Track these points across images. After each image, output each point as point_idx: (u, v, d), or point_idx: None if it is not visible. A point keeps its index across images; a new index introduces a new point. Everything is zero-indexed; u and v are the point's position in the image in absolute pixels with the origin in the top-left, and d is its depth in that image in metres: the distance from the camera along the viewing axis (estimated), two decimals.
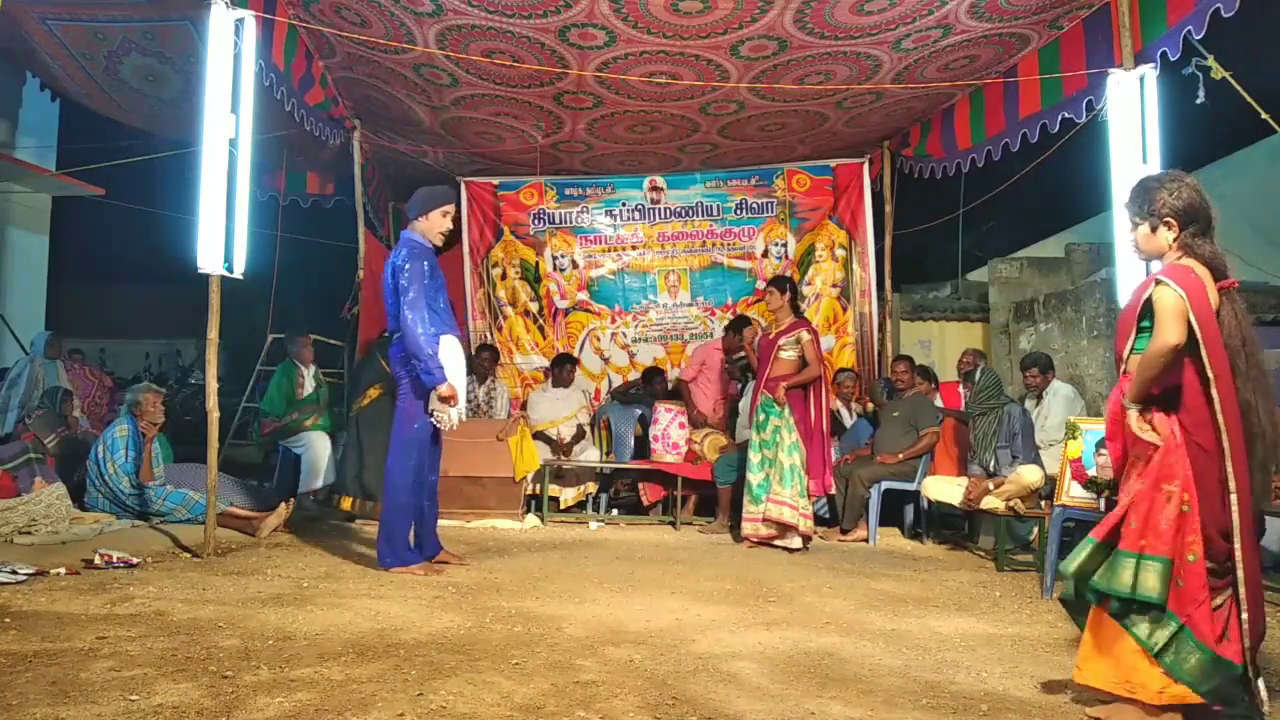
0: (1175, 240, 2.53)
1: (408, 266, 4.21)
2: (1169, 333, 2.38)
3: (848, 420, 6.95)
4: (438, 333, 4.23)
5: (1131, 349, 2.55)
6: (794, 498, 5.39)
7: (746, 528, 5.54)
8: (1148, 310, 2.47)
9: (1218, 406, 2.38)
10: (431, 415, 4.27)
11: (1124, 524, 2.45)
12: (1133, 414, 2.50)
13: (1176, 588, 2.37)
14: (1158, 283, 2.44)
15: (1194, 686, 2.33)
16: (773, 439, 5.53)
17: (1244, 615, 2.36)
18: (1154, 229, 2.56)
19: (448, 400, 4.21)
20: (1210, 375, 2.37)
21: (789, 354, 5.61)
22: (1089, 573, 2.47)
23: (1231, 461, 2.37)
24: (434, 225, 4.39)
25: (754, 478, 5.54)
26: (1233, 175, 9.62)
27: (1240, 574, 2.37)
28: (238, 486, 5.54)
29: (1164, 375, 2.42)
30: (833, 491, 6.00)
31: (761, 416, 5.59)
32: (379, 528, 4.33)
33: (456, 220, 8.12)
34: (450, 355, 4.26)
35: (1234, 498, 2.37)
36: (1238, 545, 2.37)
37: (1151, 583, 2.36)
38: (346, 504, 6.08)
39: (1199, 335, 2.36)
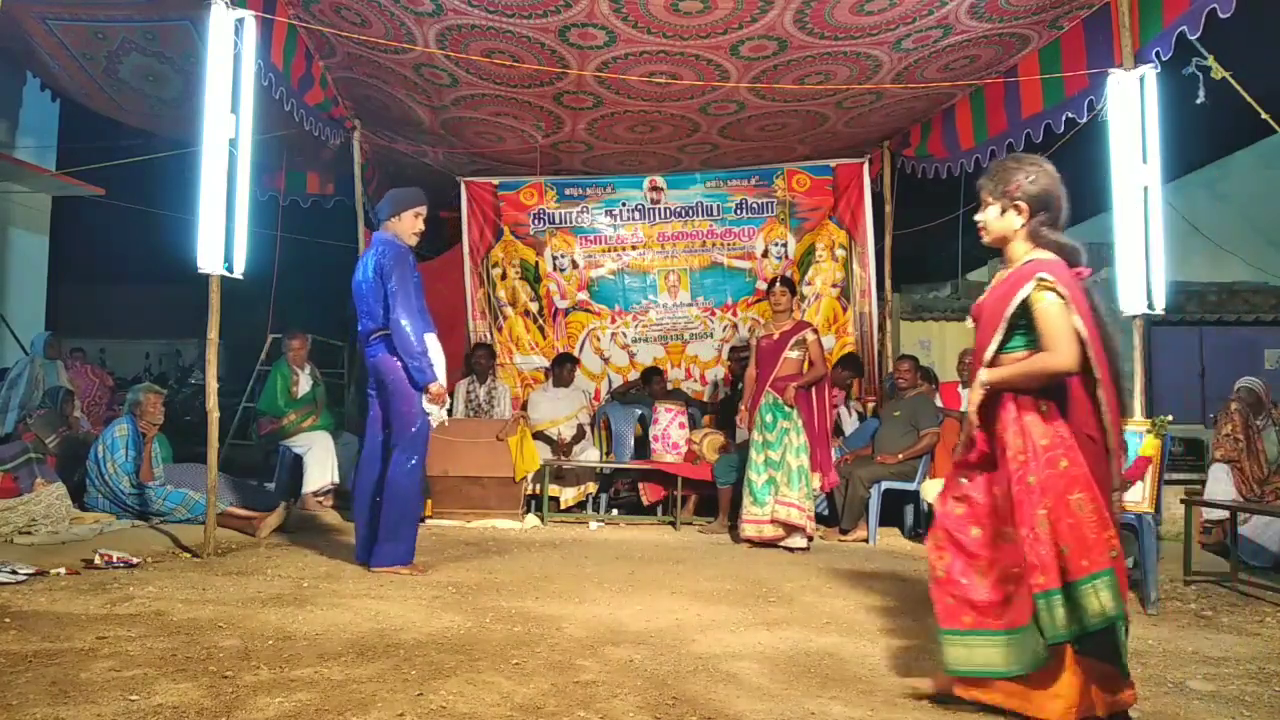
0: (1023, 226, 2.48)
1: (396, 268, 4.23)
2: (1065, 356, 2.31)
3: (846, 420, 6.95)
4: (424, 332, 4.27)
5: (1001, 348, 2.44)
6: (801, 499, 5.42)
7: (748, 528, 5.55)
8: (1024, 310, 2.39)
9: (1105, 409, 2.35)
10: (425, 416, 4.30)
11: (1061, 557, 2.27)
12: (975, 396, 2.45)
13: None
14: (1039, 283, 2.35)
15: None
16: (779, 440, 5.53)
17: None
18: (1003, 211, 2.51)
19: (438, 399, 4.26)
20: (1097, 377, 2.32)
21: (795, 354, 5.63)
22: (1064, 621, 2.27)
23: (1113, 459, 2.36)
24: (407, 226, 4.41)
25: (757, 478, 5.55)
26: (1233, 175, 9.64)
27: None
28: (238, 486, 5.54)
29: (1045, 383, 2.37)
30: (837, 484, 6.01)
31: (768, 417, 5.60)
32: (381, 529, 4.32)
33: (456, 220, 8.20)
34: (434, 354, 4.29)
35: (1115, 495, 2.36)
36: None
37: (1110, 600, 2.24)
38: None
39: (1084, 338, 2.31)
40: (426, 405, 4.27)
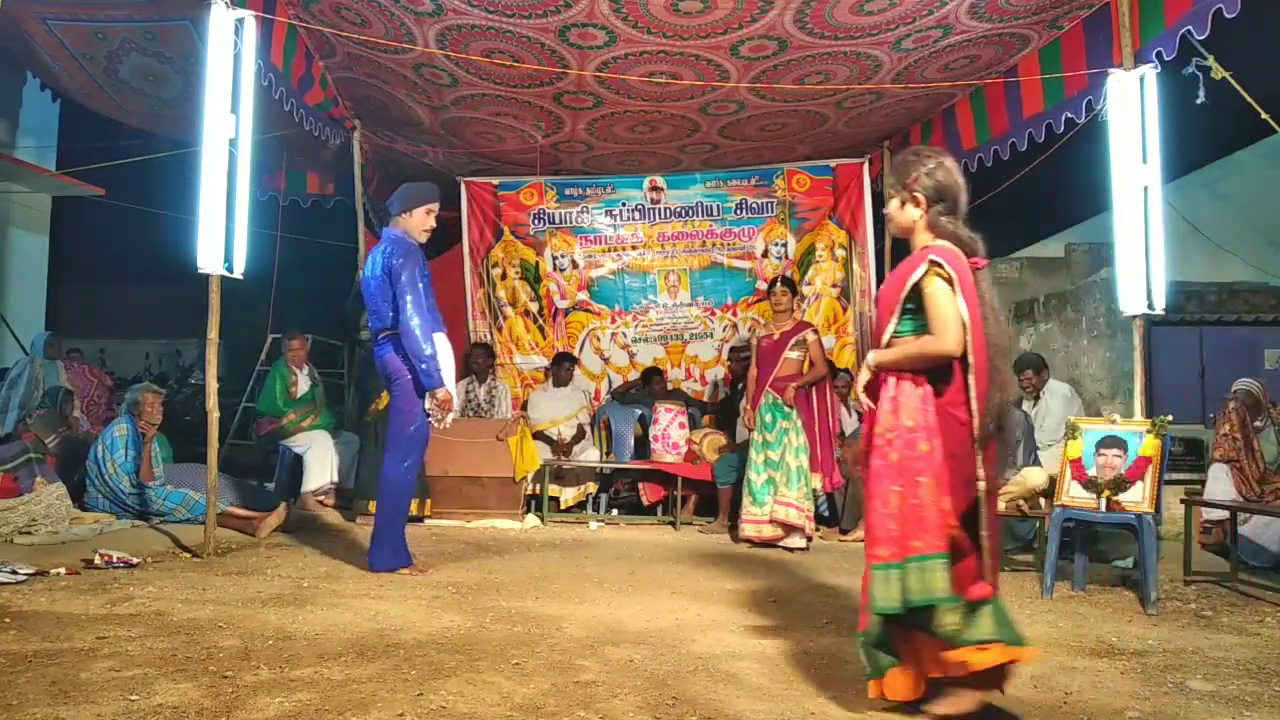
0: (921, 217, 2.54)
1: (405, 267, 4.18)
2: (948, 340, 2.37)
3: (846, 420, 6.95)
4: (432, 332, 4.23)
5: (895, 331, 2.51)
6: (800, 499, 5.42)
7: (748, 529, 5.55)
8: (915, 293, 2.45)
9: (973, 395, 2.39)
10: (429, 416, 4.28)
11: (903, 533, 2.34)
12: (863, 377, 2.53)
13: (954, 573, 2.35)
14: (930, 266, 2.42)
15: (1008, 641, 2.34)
16: (779, 440, 5.53)
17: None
18: (903, 203, 2.58)
19: (444, 405, 4.23)
20: (970, 362, 2.38)
21: (796, 354, 5.63)
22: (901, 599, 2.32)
23: (981, 451, 2.39)
24: (418, 223, 4.34)
25: (756, 478, 5.55)
26: (1233, 175, 9.63)
27: (987, 561, 2.39)
28: (238, 486, 5.54)
29: (929, 365, 2.43)
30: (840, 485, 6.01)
31: (768, 418, 5.60)
32: (375, 529, 4.32)
33: (456, 220, 8.20)
34: (442, 354, 4.26)
35: (981, 485, 2.38)
36: (985, 535, 2.38)
37: (937, 582, 2.28)
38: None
39: (966, 322, 2.37)
40: (430, 408, 4.25)
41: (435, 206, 4.40)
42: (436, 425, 4.33)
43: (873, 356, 2.52)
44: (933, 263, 2.42)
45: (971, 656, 2.31)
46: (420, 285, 4.20)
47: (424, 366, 4.14)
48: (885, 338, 2.53)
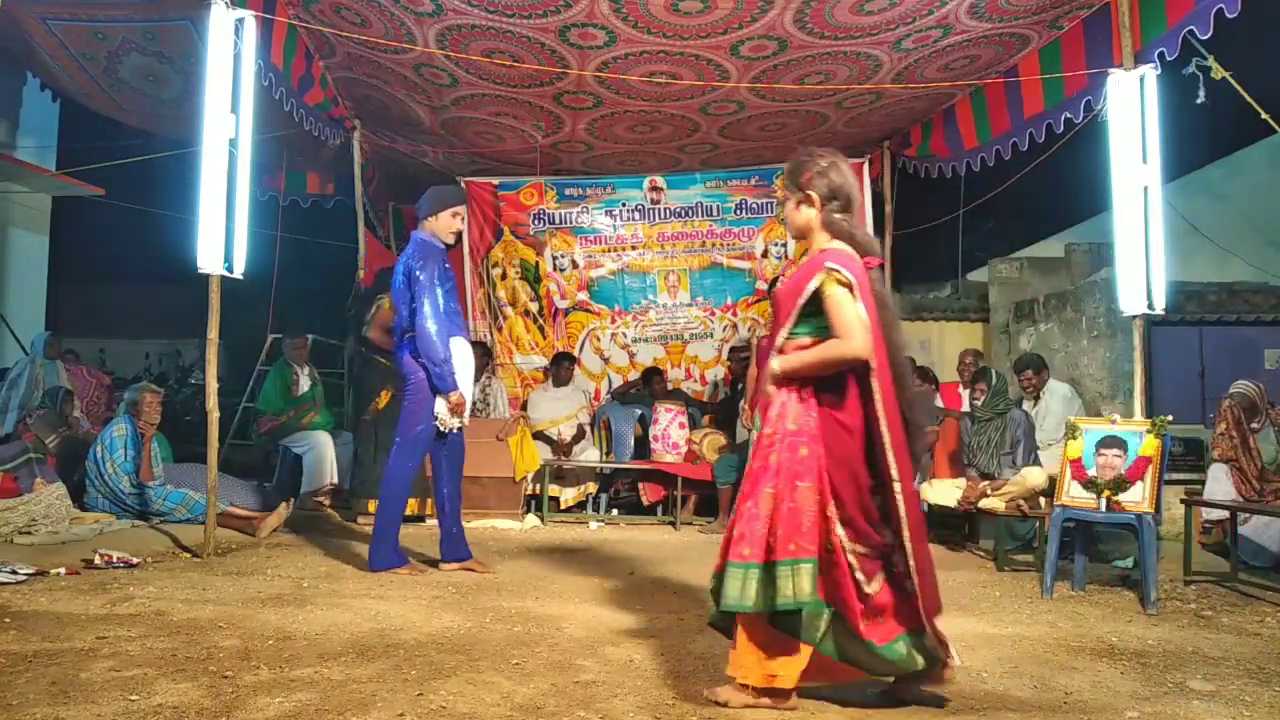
0: (816, 217, 2.57)
1: (424, 270, 4.19)
2: (857, 344, 2.38)
3: None
4: (450, 335, 4.22)
5: (790, 333, 2.52)
6: None
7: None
8: (814, 300, 2.46)
9: (877, 397, 2.40)
10: (436, 418, 4.27)
11: (772, 535, 2.37)
12: (768, 386, 2.52)
13: (825, 578, 2.38)
14: (829, 273, 2.43)
15: (854, 663, 2.43)
16: None
17: (918, 595, 2.40)
18: (798, 204, 2.61)
19: (457, 408, 4.22)
20: (873, 365, 2.39)
21: None
22: (756, 595, 2.36)
23: (893, 451, 2.40)
24: (444, 225, 4.34)
25: None
26: (1233, 175, 9.64)
27: (912, 563, 2.39)
28: (238, 486, 5.54)
29: (837, 370, 2.45)
30: None
31: None
32: (375, 528, 4.31)
33: None
34: (460, 358, 4.25)
35: (897, 486, 2.39)
36: (906, 534, 2.39)
37: (806, 586, 2.31)
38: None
39: (866, 326, 2.39)
40: (442, 412, 4.22)
41: (461, 209, 4.41)
42: (444, 429, 4.30)
43: (777, 364, 2.52)
44: (830, 269, 2.44)
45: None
46: (440, 288, 4.20)
47: (438, 370, 4.14)
48: (780, 340, 2.54)
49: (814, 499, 2.38)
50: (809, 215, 2.59)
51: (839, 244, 2.53)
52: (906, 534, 2.39)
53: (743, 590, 2.36)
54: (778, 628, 2.42)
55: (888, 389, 2.41)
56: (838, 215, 2.56)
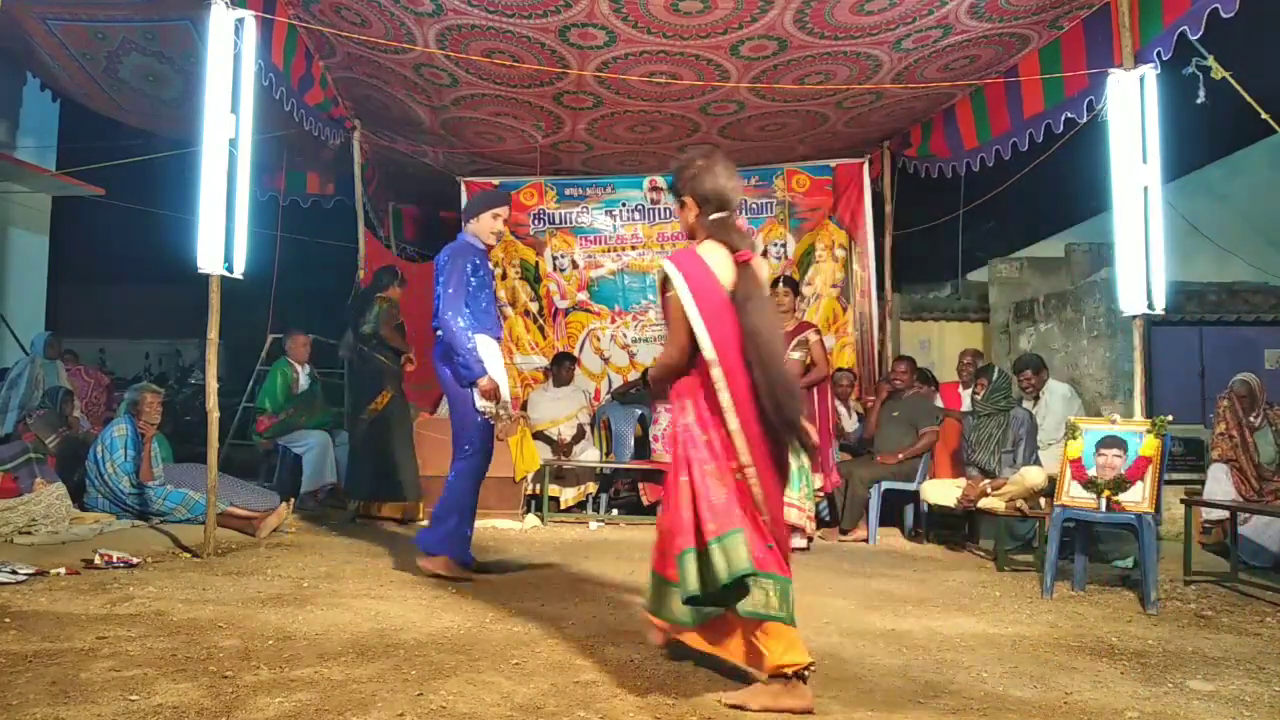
0: (696, 218, 2.67)
1: (448, 265, 4.21)
2: (669, 350, 2.56)
3: (847, 420, 6.95)
4: (477, 332, 4.18)
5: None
6: (801, 500, 5.40)
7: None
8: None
9: (719, 387, 2.47)
10: (481, 413, 4.19)
11: (697, 520, 2.44)
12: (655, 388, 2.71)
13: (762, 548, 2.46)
14: (662, 273, 2.60)
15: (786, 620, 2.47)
16: None
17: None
18: (682, 206, 2.73)
19: (488, 393, 4.14)
20: (710, 358, 2.47)
21: (798, 355, 5.62)
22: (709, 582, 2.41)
23: (743, 438, 2.47)
24: (485, 227, 4.33)
25: None
26: (1233, 175, 9.64)
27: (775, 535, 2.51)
28: (238, 486, 5.54)
29: (676, 373, 2.58)
30: (839, 485, 6.00)
31: None
32: (433, 513, 4.30)
33: (457, 220, 8.19)
34: (488, 356, 4.20)
35: (750, 472, 2.46)
36: (766, 518, 2.48)
37: (741, 557, 2.37)
38: (390, 509, 6.01)
39: (695, 326, 2.48)
40: (480, 404, 4.15)
41: (501, 210, 4.38)
42: (498, 426, 4.21)
43: (649, 372, 2.67)
44: (662, 269, 2.58)
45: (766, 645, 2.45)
46: (462, 285, 4.17)
47: (462, 359, 4.10)
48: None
49: (716, 479, 2.47)
50: (689, 217, 2.70)
51: (709, 243, 2.61)
52: (766, 518, 2.48)
53: (686, 577, 2.41)
54: (737, 612, 2.47)
55: (736, 379, 2.48)
56: (714, 216, 2.64)
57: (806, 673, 2.44)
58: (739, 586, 2.40)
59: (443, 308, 4.13)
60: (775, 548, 2.49)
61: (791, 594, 2.48)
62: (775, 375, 2.47)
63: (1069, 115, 5.49)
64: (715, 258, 2.56)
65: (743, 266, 2.55)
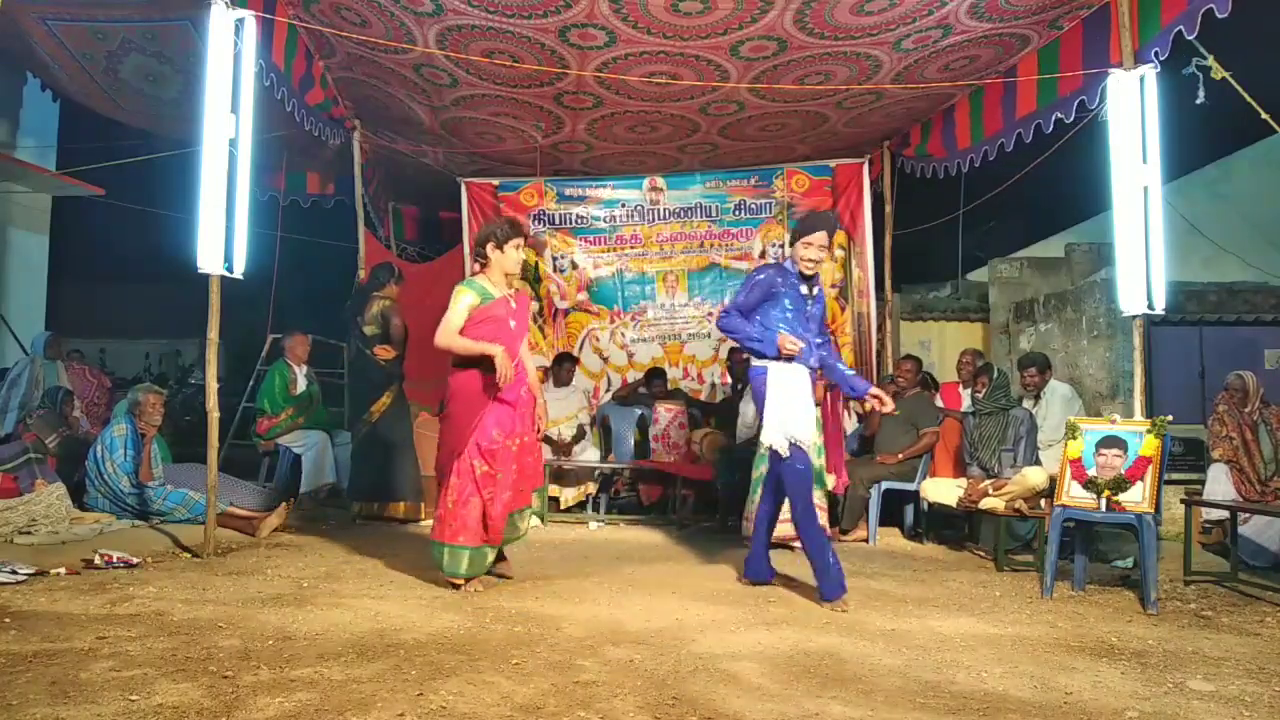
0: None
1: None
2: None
3: (847, 420, 6.94)
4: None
5: None
6: (820, 499, 5.37)
7: (749, 527, 5.53)
8: None
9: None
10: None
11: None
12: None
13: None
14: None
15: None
16: None
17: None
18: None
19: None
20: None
21: None
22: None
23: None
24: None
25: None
26: (1232, 175, 9.63)
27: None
28: (238, 486, 5.54)
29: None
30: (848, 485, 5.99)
31: None
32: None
33: (456, 221, 8.20)
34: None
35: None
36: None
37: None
38: (400, 509, 6.03)
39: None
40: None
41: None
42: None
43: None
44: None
45: None
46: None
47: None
48: None
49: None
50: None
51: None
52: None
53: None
54: None
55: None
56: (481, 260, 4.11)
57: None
58: None
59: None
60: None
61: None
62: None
63: (1059, 115, 5.49)
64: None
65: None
